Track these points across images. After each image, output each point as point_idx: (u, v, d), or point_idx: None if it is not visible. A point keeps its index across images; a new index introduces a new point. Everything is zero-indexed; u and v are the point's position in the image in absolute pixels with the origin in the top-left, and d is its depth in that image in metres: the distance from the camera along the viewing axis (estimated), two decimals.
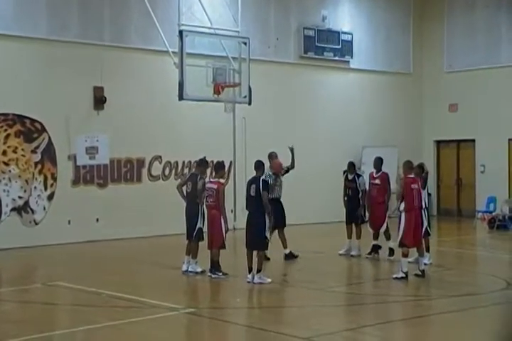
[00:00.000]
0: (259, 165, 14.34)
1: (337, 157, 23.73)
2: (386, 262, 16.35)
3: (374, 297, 13.22)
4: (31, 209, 19.03)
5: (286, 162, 16.75)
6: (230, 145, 22.25)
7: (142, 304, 12.19)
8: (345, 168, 17.49)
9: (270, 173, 16.08)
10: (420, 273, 14.36)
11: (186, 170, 21.26)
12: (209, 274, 14.47)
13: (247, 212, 14.22)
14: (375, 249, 16.89)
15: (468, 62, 26.25)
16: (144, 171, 21.07)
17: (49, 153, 19.31)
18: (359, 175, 17.28)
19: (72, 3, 19.58)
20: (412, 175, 14.58)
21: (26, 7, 18.83)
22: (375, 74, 26.27)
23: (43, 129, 19.20)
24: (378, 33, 26.36)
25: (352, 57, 25.38)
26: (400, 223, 14.34)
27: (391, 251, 16.52)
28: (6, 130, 18.64)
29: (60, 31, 19.39)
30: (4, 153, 18.61)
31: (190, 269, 14.82)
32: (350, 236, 17.22)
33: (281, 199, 16.40)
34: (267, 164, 15.59)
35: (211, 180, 14.88)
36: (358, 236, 17.12)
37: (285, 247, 16.56)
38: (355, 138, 25.25)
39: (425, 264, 14.88)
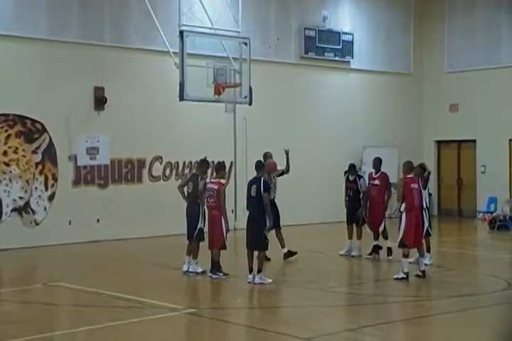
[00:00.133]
0: (259, 166, 14.35)
1: (337, 157, 23.76)
2: (387, 262, 16.36)
3: (375, 297, 13.22)
4: (32, 210, 19.03)
5: (282, 164, 16.60)
6: (230, 145, 22.26)
7: (143, 304, 12.20)
8: (346, 168, 17.50)
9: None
10: (421, 273, 14.36)
11: (187, 171, 21.27)
12: (210, 274, 14.48)
13: (247, 213, 14.22)
14: (376, 249, 16.90)
15: (469, 62, 26.25)
16: (145, 172, 21.07)
17: (50, 154, 19.31)
18: (360, 176, 17.29)
19: (72, 3, 19.59)
20: (411, 175, 14.57)
21: (26, 7, 18.83)
22: (376, 74, 26.27)
23: (44, 130, 19.21)
24: (379, 33, 26.36)
25: (352, 57, 25.38)
26: (400, 223, 14.34)
27: (389, 251, 16.55)
28: (6, 130, 18.65)
29: (61, 31, 19.39)
30: (5, 153, 18.61)
31: (190, 269, 14.82)
32: (350, 237, 17.22)
33: (276, 200, 16.30)
34: None
35: (212, 180, 14.88)
36: (359, 237, 17.13)
37: (283, 246, 16.54)
38: (355, 139, 25.25)
39: (426, 265, 14.88)
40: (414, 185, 14.43)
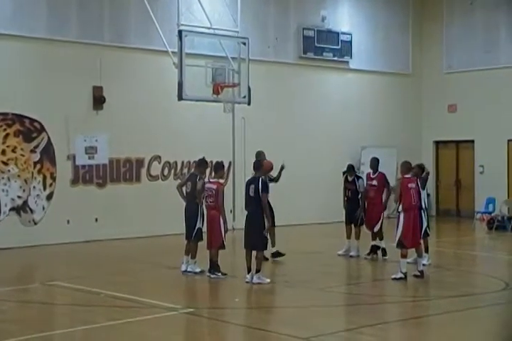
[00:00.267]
0: (258, 166, 14.33)
1: (336, 157, 23.76)
2: (384, 263, 16.35)
3: (373, 297, 13.21)
4: (30, 209, 19.03)
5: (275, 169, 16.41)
6: (229, 145, 22.25)
7: (141, 304, 12.19)
8: (345, 168, 17.49)
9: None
10: (419, 273, 14.36)
11: (185, 170, 21.26)
12: (208, 274, 14.48)
13: (246, 212, 14.22)
14: (374, 249, 16.90)
15: (468, 62, 26.26)
16: (143, 171, 21.07)
17: (48, 153, 19.31)
18: (359, 177, 17.29)
19: (71, 3, 19.58)
20: (409, 175, 14.57)
21: (26, 7, 18.82)
22: (375, 74, 26.27)
23: (42, 129, 19.20)
24: (377, 33, 26.36)
25: (351, 57, 25.38)
26: (398, 223, 14.32)
27: (384, 252, 16.58)
28: (5, 129, 18.64)
29: (60, 31, 19.38)
30: (3, 152, 18.60)
31: (189, 269, 14.82)
32: (349, 237, 17.22)
33: (274, 200, 16.18)
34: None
35: (210, 180, 14.87)
36: (357, 237, 17.13)
37: (273, 246, 16.44)
38: (354, 139, 25.24)
39: (424, 265, 14.88)
40: (412, 185, 14.42)
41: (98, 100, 19.90)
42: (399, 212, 14.38)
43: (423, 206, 15.14)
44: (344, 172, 17.42)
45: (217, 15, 20.42)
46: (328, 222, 22.71)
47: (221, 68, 18.39)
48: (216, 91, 17.95)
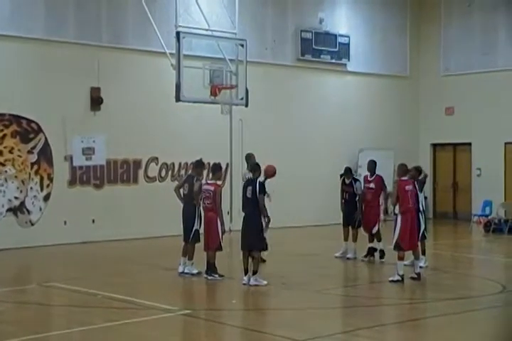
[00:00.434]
0: (255, 167, 14.31)
1: (333, 159, 23.78)
2: (381, 265, 16.35)
3: (370, 299, 13.22)
4: (27, 210, 19.01)
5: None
6: (226, 146, 22.23)
7: (138, 305, 12.18)
8: (342, 170, 17.49)
9: (249, 176, 16.04)
10: (416, 276, 14.36)
11: (183, 172, 21.27)
12: (205, 276, 14.47)
13: (243, 214, 14.20)
14: (371, 251, 16.90)
15: (465, 65, 26.29)
16: (141, 172, 21.06)
17: (45, 154, 19.29)
18: (356, 180, 17.28)
19: (69, 3, 19.58)
20: (406, 178, 14.57)
21: (23, 7, 18.82)
22: (372, 77, 26.29)
23: (40, 130, 19.19)
24: (375, 35, 26.38)
25: (349, 59, 25.40)
26: (395, 226, 14.32)
27: (382, 253, 16.59)
28: (2, 130, 18.62)
29: (57, 32, 19.38)
30: (0, 153, 18.59)
31: (186, 271, 14.81)
32: (346, 239, 17.21)
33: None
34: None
35: (208, 181, 14.85)
36: (355, 239, 17.12)
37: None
38: (351, 141, 25.26)
39: (421, 267, 14.86)
40: (409, 187, 14.41)
41: (96, 101, 19.90)
42: (396, 215, 14.39)
43: (421, 208, 15.15)
44: (341, 175, 17.42)
45: (215, 17, 20.44)
46: (326, 224, 22.70)
47: (219, 70, 18.42)
48: (214, 92, 17.97)
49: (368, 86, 26.25)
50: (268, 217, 13.95)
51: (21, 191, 18.91)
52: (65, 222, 19.45)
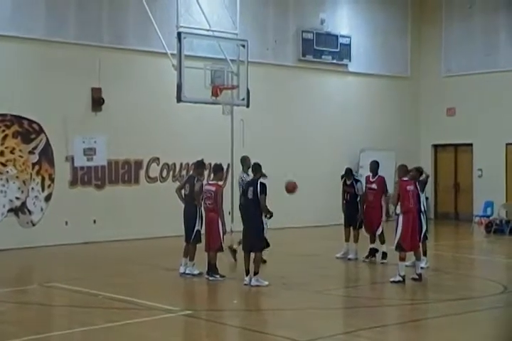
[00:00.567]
0: (256, 168, 14.31)
1: (334, 160, 23.79)
2: (383, 266, 16.33)
3: (371, 300, 13.21)
4: (28, 210, 19.01)
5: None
6: (227, 147, 22.15)
7: (139, 306, 12.18)
8: (343, 171, 17.49)
9: (245, 177, 16.04)
10: (417, 276, 14.35)
11: (184, 172, 21.27)
12: (206, 276, 14.47)
13: (241, 213, 14.21)
14: (372, 252, 16.88)
15: (466, 66, 26.29)
16: (142, 173, 21.07)
17: (47, 154, 19.30)
18: (357, 181, 17.28)
19: (70, 4, 19.59)
20: (406, 178, 14.57)
21: (24, 8, 18.83)
22: (373, 77, 26.29)
23: (41, 130, 19.20)
24: (376, 36, 26.38)
25: (350, 60, 25.40)
26: (397, 226, 14.31)
27: (384, 255, 16.56)
28: (3, 131, 18.63)
29: (58, 32, 19.38)
30: (2, 153, 18.60)
31: (187, 271, 14.81)
32: (347, 240, 17.21)
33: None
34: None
35: (209, 182, 14.86)
36: (356, 240, 17.11)
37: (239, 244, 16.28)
38: (352, 142, 25.26)
39: (422, 268, 14.86)
40: (410, 187, 14.41)
41: (97, 101, 19.90)
42: (397, 215, 14.38)
43: (422, 209, 15.14)
44: (342, 176, 17.42)
45: (217, 17, 20.44)
46: (327, 225, 22.70)
47: (220, 70, 18.41)
48: (215, 93, 17.96)
49: (369, 86, 26.25)
50: (270, 212, 13.88)
51: (22, 191, 18.92)
52: (66, 223, 19.46)
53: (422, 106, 27.70)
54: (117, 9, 20.38)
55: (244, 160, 16.51)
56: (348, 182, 17.19)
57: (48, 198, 19.32)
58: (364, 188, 16.99)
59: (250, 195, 13.86)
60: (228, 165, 21.68)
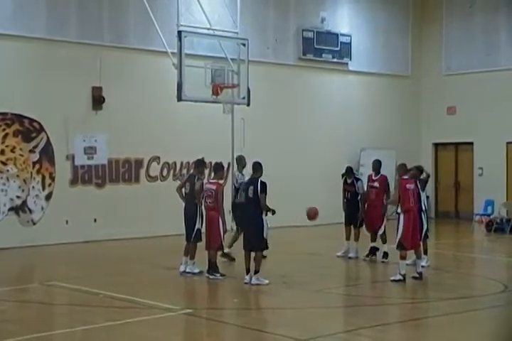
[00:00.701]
0: (257, 167, 14.31)
1: (335, 158, 23.79)
2: (383, 264, 16.33)
3: (372, 299, 13.21)
4: (29, 209, 19.02)
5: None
6: (228, 146, 22.23)
7: (139, 304, 12.18)
8: (343, 170, 17.49)
9: (240, 177, 16.03)
10: (418, 275, 14.35)
11: (184, 171, 21.27)
12: (206, 275, 14.47)
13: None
14: (373, 251, 16.89)
15: (467, 64, 26.29)
16: (142, 171, 21.07)
17: (47, 153, 19.30)
18: (358, 179, 17.29)
19: (71, 3, 19.58)
20: (407, 177, 14.57)
21: (25, 7, 18.82)
22: (374, 76, 26.29)
23: (42, 129, 19.20)
24: (377, 35, 26.37)
25: (350, 59, 25.39)
26: (398, 225, 14.31)
27: (385, 255, 16.56)
28: (4, 129, 18.63)
29: (59, 31, 19.38)
30: (2, 152, 18.60)
31: (187, 270, 14.81)
32: (348, 238, 17.21)
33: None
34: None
35: (210, 181, 14.87)
36: (356, 238, 17.11)
37: (229, 247, 16.32)
38: (353, 140, 25.26)
39: (423, 267, 14.86)
40: (411, 186, 14.41)
41: (97, 100, 19.90)
42: (398, 214, 14.39)
43: (423, 208, 15.14)
44: (343, 175, 17.42)
45: (217, 16, 20.44)
46: (327, 224, 22.67)
47: (220, 69, 18.40)
48: (215, 92, 17.95)
49: (370, 85, 26.24)
50: (272, 210, 13.87)
51: (23, 190, 18.92)
52: (67, 221, 19.46)
53: (422, 105, 27.70)
54: (118, 8, 20.38)
55: (240, 160, 16.53)
56: (349, 181, 17.19)
57: (48, 197, 19.32)
58: (366, 187, 16.99)
59: (251, 193, 13.85)
60: (229, 163, 21.76)
